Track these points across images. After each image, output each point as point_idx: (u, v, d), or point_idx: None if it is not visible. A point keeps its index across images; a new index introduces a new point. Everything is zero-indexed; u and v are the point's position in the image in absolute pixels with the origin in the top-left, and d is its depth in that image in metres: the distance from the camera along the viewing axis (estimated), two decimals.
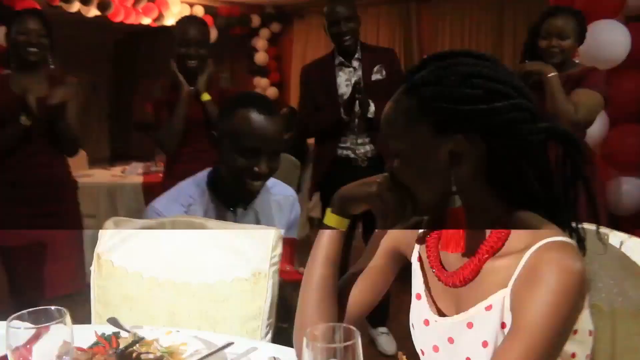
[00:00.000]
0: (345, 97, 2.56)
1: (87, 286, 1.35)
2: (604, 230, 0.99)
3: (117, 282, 1.29)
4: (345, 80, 2.62)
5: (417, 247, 1.01)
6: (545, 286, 0.79)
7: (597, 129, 2.67)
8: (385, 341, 2.64)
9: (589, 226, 0.95)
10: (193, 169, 2.20)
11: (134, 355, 0.90)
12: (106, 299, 1.30)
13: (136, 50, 8.14)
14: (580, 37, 2.17)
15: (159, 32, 6.17)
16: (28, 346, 0.77)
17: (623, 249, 0.98)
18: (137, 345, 0.95)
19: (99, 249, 1.32)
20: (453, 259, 0.92)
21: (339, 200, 0.96)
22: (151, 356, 0.93)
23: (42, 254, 2.34)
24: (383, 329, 2.67)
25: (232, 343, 0.98)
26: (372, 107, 2.52)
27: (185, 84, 2.38)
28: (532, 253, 0.81)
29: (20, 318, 0.79)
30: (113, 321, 1.09)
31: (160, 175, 3.16)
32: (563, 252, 0.80)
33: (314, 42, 6.77)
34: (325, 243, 0.97)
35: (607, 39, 2.51)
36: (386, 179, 0.93)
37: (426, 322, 0.94)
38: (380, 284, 1.02)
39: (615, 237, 1.00)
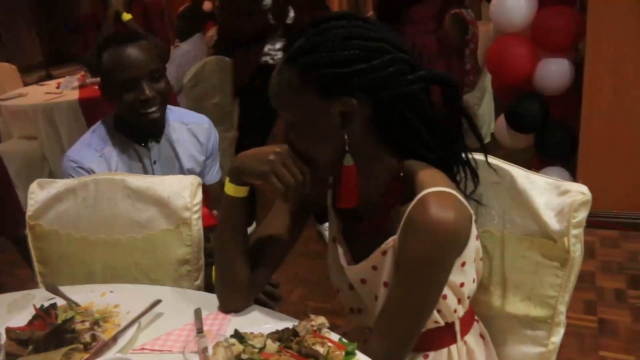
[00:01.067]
0: (266, 2, 2.55)
1: None
2: (494, 161, 1.09)
3: (52, 243, 1.37)
4: None
5: (330, 192, 1.11)
6: (418, 235, 0.90)
7: (525, 12, 2.71)
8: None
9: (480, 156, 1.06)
10: None
11: (71, 327, 1.01)
12: (45, 259, 1.39)
13: None
14: None
15: None
16: None
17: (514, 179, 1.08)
18: (71, 313, 1.06)
19: (29, 214, 1.38)
20: (363, 209, 1.02)
21: (235, 172, 1.02)
22: (87, 324, 1.04)
23: None
24: (327, 225, 2.88)
25: (160, 301, 1.10)
26: (291, 13, 2.58)
27: (114, 0, 2.39)
28: (413, 204, 0.91)
29: None
30: (51, 288, 1.19)
31: (96, 88, 3.13)
32: (437, 202, 0.90)
33: None
34: (227, 211, 1.06)
35: None
36: (284, 152, 0.97)
37: (340, 266, 1.07)
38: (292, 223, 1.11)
39: (507, 166, 1.10)
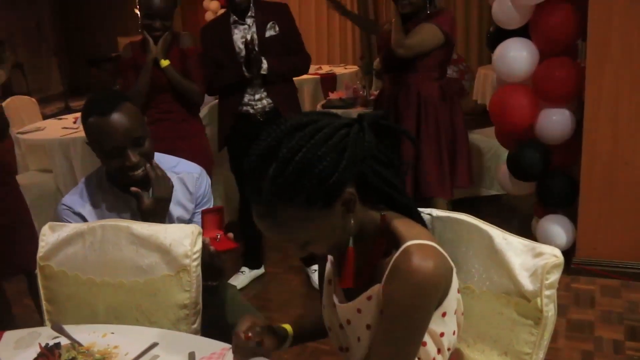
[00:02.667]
0: (243, 54, 2.71)
1: None
2: (473, 220, 1.19)
3: (60, 284, 1.47)
4: (241, 38, 2.77)
5: None
6: (401, 282, 0.98)
7: (528, 63, 2.82)
8: (316, 277, 2.93)
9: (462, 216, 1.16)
10: (157, 130, 2.40)
11: None
12: (53, 298, 1.49)
13: None
14: None
15: None
16: None
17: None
18: (73, 353, 1.15)
19: (39, 255, 1.48)
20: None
21: None
22: None
23: None
24: (314, 267, 2.99)
25: (156, 344, 1.19)
26: (264, 64, 2.70)
27: (153, 48, 2.59)
28: (398, 254, 0.99)
29: None
30: (56, 327, 1.28)
31: None
32: (419, 252, 0.98)
33: None
34: None
35: None
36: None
37: (332, 305, 1.15)
38: None
39: (486, 227, 1.18)
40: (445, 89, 2.71)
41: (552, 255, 1.07)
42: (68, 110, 5.98)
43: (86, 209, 1.63)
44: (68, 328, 1.29)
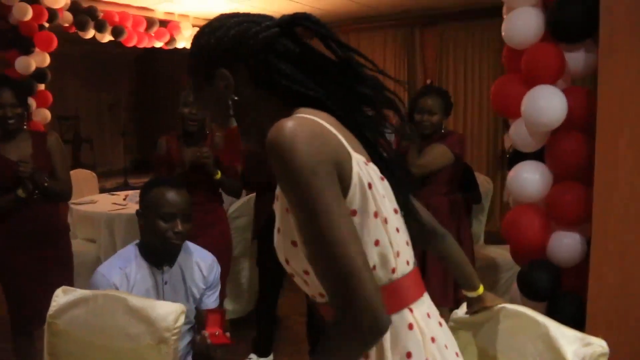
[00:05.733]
0: None
1: None
2: (532, 313, 1.45)
3: (63, 341, 1.76)
4: None
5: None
6: (271, 157, 0.95)
7: (540, 186, 3.01)
8: None
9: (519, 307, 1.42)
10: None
11: None
12: (54, 352, 1.77)
13: (156, 64, 8.74)
14: (447, 112, 3.02)
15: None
16: None
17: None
18: None
19: (50, 313, 1.78)
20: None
21: None
22: None
23: (36, 288, 2.83)
24: None
25: None
26: None
27: (189, 157, 2.96)
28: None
29: None
30: None
31: None
32: (284, 120, 0.95)
33: None
34: None
35: (545, 104, 2.83)
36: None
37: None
38: None
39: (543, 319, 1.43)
40: (454, 204, 2.94)
41: (599, 345, 1.32)
42: (126, 186, 6.56)
43: (119, 279, 1.98)
44: None
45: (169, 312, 1.66)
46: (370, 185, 1.01)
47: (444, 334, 1.13)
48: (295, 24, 1.07)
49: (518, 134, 3.06)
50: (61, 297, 1.80)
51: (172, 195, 2.01)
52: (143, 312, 1.68)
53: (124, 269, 2.01)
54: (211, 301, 2.14)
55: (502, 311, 1.51)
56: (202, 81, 1.12)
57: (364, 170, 1.01)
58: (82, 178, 5.55)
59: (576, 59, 2.90)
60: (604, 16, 2.65)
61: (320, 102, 1.05)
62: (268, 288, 3.38)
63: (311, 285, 1.07)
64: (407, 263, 1.10)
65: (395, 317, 1.03)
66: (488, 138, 6.45)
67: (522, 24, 2.93)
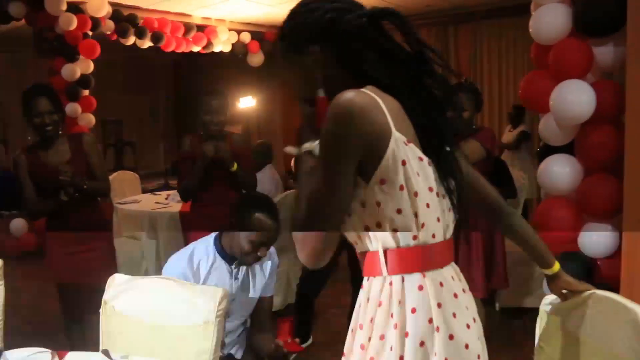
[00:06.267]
0: None
1: None
2: (620, 299, 1.51)
3: (116, 321, 1.93)
4: None
5: None
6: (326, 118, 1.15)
7: (571, 179, 3.07)
8: None
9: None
10: (212, 212, 2.92)
11: None
12: (108, 330, 1.95)
13: (195, 67, 9.01)
14: (477, 108, 3.14)
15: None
16: None
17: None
18: None
19: (106, 296, 1.96)
20: None
21: None
22: None
23: (84, 280, 3.04)
24: None
25: None
26: None
27: (209, 150, 3.09)
28: None
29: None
30: (105, 352, 1.72)
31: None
32: (344, 92, 1.14)
33: None
34: None
35: (574, 98, 2.90)
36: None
37: None
38: None
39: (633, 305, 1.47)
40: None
41: None
42: (167, 187, 6.82)
43: (189, 271, 2.17)
44: (114, 355, 1.72)
45: (213, 295, 1.82)
46: (404, 162, 1.17)
47: (455, 304, 1.25)
48: (383, 17, 1.23)
49: (547, 128, 3.13)
50: (115, 282, 1.98)
51: (268, 224, 2.15)
52: (189, 295, 1.85)
53: (198, 260, 2.21)
54: (270, 288, 2.35)
55: (591, 297, 1.54)
56: (292, 53, 1.28)
57: (401, 148, 1.16)
58: (125, 179, 5.81)
59: (604, 53, 2.95)
60: (632, 10, 2.70)
61: (389, 86, 1.21)
62: (310, 287, 3.58)
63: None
64: (433, 236, 1.24)
65: (407, 277, 1.21)
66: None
67: (550, 20, 3.00)
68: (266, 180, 4.40)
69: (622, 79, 2.85)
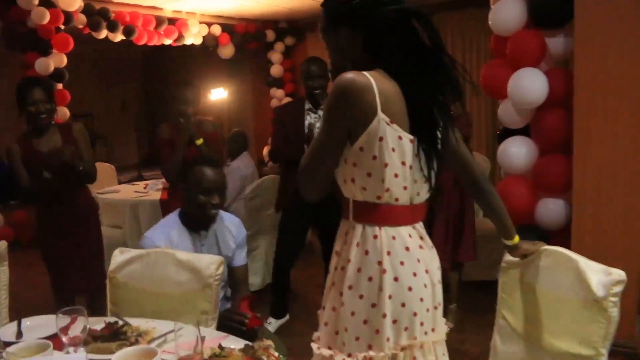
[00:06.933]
0: (308, 136, 3.45)
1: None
2: (563, 250, 1.82)
3: (122, 290, 2.15)
4: (309, 124, 3.46)
5: None
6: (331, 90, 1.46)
7: (527, 158, 3.39)
8: None
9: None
10: None
11: (125, 332, 1.74)
12: (115, 300, 2.17)
13: (164, 59, 9.12)
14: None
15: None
16: (67, 328, 1.61)
17: None
18: (126, 327, 1.80)
19: (110, 269, 2.18)
20: None
21: None
22: (135, 333, 1.77)
23: (74, 261, 3.25)
24: None
25: (182, 327, 1.81)
26: None
27: (188, 131, 3.31)
28: None
29: (63, 312, 1.63)
30: (115, 314, 1.94)
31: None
32: (347, 73, 1.42)
33: (326, 54, 7.54)
34: None
35: (529, 85, 3.21)
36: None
37: None
38: None
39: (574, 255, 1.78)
40: (457, 179, 3.35)
41: (618, 274, 1.64)
42: (140, 179, 6.95)
43: (163, 241, 2.36)
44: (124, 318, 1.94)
45: (212, 262, 2.05)
46: (381, 139, 1.43)
47: (406, 255, 1.51)
48: (412, 15, 1.46)
49: (506, 113, 3.44)
50: (119, 256, 2.19)
51: (210, 173, 2.38)
52: (190, 263, 2.07)
53: (168, 233, 2.38)
54: (241, 258, 2.52)
55: (543, 252, 1.85)
56: (329, 27, 1.53)
57: (382, 126, 1.42)
58: (101, 171, 5.89)
59: (556, 43, 3.27)
60: (579, 4, 3.02)
61: (397, 73, 1.45)
62: (285, 257, 3.80)
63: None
64: (396, 200, 1.51)
65: (367, 226, 1.52)
66: (486, 120, 6.80)
67: (507, 13, 3.31)
68: (243, 166, 4.63)
69: (572, 66, 3.18)
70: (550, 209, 3.33)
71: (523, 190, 3.40)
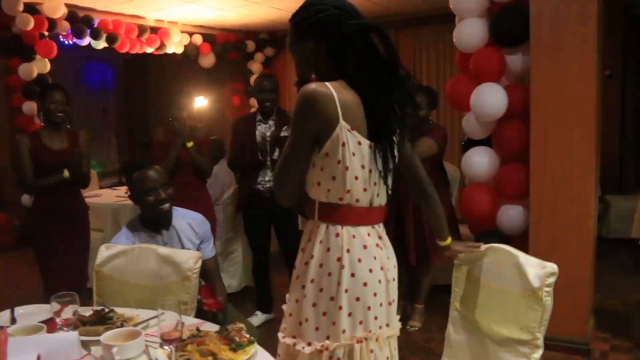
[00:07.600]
0: (260, 144, 3.75)
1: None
2: (504, 246, 2.04)
3: (107, 284, 2.34)
4: (261, 133, 3.78)
5: None
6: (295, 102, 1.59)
7: (489, 167, 3.65)
8: None
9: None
10: (181, 198, 3.36)
11: (111, 318, 1.94)
12: (101, 292, 2.36)
13: (145, 68, 9.26)
14: (432, 106, 3.68)
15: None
16: (60, 311, 1.80)
17: None
18: (112, 313, 1.99)
19: (96, 263, 2.37)
20: None
21: None
22: (120, 319, 1.96)
23: (64, 257, 3.44)
24: None
25: (163, 313, 2.01)
26: (276, 152, 3.68)
27: (183, 134, 3.59)
28: None
29: (56, 298, 1.82)
30: (101, 304, 2.14)
31: None
32: (310, 84, 1.56)
33: None
34: None
35: (490, 98, 3.47)
36: None
37: None
38: None
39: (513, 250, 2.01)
40: (434, 180, 3.59)
41: (551, 267, 1.86)
42: (122, 184, 7.10)
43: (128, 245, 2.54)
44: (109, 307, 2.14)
45: (191, 257, 2.26)
46: (344, 144, 1.58)
47: (364, 253, 1.66)
48: (372, 30, 1.61)
49: (469, 124, 3.70)
50: (105, 251, 2.38)
51: (149, 173, 2.55)
52: (170, 258, 2.27)
53: (131, 237, 2.57)
54: (208, 251, 2.69)
55: (490, 249, 2.06)
56: (296, 40, 1.67)
57: (344, 133, 1.57)
58: None
59: (515, 60, 3.55)
60: (533, 25, 3.29)
61: (357, 84, 1.60)
62: (259, 251, 4.06)
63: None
64: (357, 201, 1.66)
65: (330, 226, 1.66)
66: (459, 131, 7.10)
67: (470, 31, 3.57)
68: (221, 173, 4.83)
69: (528, 81, 3.45)
70: (511, 215, 3.59)
71: (486, 198, 3.66)
